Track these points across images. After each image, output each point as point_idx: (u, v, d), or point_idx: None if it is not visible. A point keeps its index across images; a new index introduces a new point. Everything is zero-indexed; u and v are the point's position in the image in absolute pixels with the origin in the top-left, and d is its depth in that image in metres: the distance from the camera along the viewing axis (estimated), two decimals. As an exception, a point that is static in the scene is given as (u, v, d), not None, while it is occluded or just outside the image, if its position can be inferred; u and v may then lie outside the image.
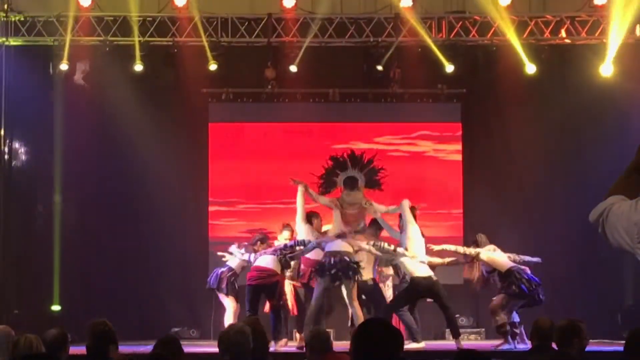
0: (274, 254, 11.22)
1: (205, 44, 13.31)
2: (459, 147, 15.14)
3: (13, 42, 13.42)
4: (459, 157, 15.11)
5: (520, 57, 13.39)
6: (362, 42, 13.70)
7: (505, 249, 11.59)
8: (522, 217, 14.38)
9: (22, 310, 12.95)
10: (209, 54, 13.37)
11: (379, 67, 13.67)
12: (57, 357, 5.54)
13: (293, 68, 13.64)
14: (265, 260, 11.20)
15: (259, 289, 11.13)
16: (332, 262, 10.89)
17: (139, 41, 13.36)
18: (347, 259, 10.94)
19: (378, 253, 11.31)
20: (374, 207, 11.48)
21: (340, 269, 10.86)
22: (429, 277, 11.12)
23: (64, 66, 13.34)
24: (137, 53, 13.30)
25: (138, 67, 13.41)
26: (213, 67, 13.51)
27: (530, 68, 13.42)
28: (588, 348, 5.70)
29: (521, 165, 14.35)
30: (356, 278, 11.01)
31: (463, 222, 14.92)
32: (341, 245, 11.09)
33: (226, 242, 12.67)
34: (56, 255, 13.75)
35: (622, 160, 3.32)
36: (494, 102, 14.45)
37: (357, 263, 11.06)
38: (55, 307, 13.69)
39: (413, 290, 11.21)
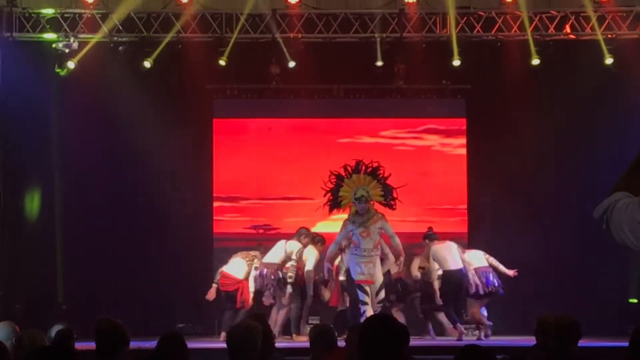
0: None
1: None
2: (464, 141, 15.10)
3: (17, 37, 13.41)
4: (464, 152, 15.08)
5: (524, 52, 13.37)
6: (367, 37, 13.69)
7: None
8: (526, 212, 14.33)
9: (26, 306, 12.96)
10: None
11: (379, 63, 13.64)
12: (68, 349, 5.51)
13: (291, 64, 13.61)
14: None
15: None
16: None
17: (143, 37, 13.35)
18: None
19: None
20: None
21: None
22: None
23: (71, 64, 13.32)
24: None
25: (147, 63, 13.36)
26: (222, 63, 13.46)
27: (535, 61, 13.41)
28: (593, 344, 5.72)
29: (526, 160, 14.30)
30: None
31: (467, 217, 14.89)
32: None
33: (230, 238, 12.70)
34: (59, 250, 13.77)
35: (627, 155, 3.31)
36: (499, 97, 14.41)
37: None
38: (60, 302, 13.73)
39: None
